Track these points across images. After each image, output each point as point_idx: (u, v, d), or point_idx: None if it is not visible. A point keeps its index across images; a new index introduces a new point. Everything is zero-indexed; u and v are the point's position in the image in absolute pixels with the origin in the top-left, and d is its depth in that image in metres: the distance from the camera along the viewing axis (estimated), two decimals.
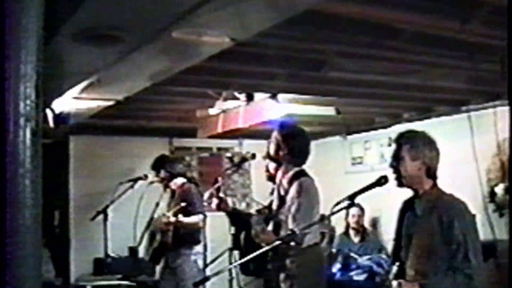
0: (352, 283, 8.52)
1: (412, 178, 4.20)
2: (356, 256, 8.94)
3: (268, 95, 7.55)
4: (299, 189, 5.44)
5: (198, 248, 7.72)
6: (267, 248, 4.60)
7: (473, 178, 7.82)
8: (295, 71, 6.45)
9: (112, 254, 8.16)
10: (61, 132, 8.61)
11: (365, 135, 10.48)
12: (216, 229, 7.70)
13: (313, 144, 11.03)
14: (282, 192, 5.63)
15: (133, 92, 6.48)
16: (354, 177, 9.92)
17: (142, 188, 7.87)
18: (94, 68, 5.51)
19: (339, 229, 9.91)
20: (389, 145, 9.62)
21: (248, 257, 4.57)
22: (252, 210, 6.85)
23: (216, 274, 4.57)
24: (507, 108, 6.67)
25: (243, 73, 6.56)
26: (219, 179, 6.12)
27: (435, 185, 4.23)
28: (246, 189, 11.01)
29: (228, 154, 9.79)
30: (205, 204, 7.09)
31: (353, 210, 9.25)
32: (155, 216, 7.71)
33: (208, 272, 7.38)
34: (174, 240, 7.63)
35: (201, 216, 7.62)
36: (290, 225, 5.37)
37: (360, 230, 9.54)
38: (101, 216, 7.46)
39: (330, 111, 8.73)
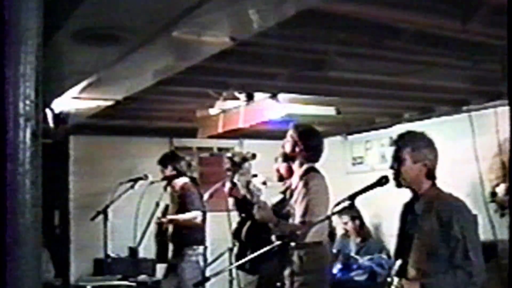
0: (352, 283, 8.51)
1: (412, 179, 4.21)
2: (356, 257, 8.93)
3: (268, 95, 7.55)
4: (307, 183, 5.61)
5: (201, 249, 7.73)
6: (267, 248, 4.61)
7: (474, 178, 7.82)
8: (295, 71, 6.45)
9: (112, 254, 8.16)
10: (61, 132, 8.60)
11: (366, 135, 10.47)
12: (216, 229, 7.70)
13: None
14: (293, 187, 5.78)
15: (133, 92, 6.48)
16: (355, 177, 9.91)
17: (142, 188, 7.87)
18: (93, 68, 5.51)
19: (340, 230, 9.91)
20: (390, 145, 9.62)
21: (249, 257, 4.59)
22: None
23: (216, 274, 4.58)
24: (507, 108, 6.66)
25: (243, 73, 6.56)
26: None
27: (433, 185, 4.24)
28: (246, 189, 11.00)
29: (229, 154, 9.77)
30: (205, 204, 7.09)
31: (344, 218, 9.29)
32: (154, 217, 7.72)
33: (208, 272, 7.37)
34: (176, 240, 7.63)
35: (198, 212, 7.62)
36: (298, 218, 5.45)
37: (356, 233, 9.51)
38: (101, 216, 7.46)
39: (330, 111, 8.73)
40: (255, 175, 6.07)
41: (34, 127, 1.67)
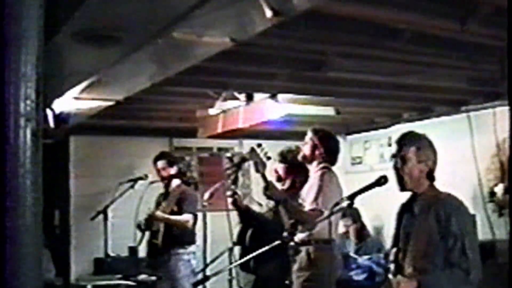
0: (351, 282, 8.51)
1: (414, 179, 4.22)
2: (355, 256, 8.94)
3: (268, 95, 7.55)
4: (320, 176, 5.76)
5: (192, 248, 7.75)
6: (273, 244, 4.66)
7: (473, 178, 7.84)
8: (295, 71, 6.46)
9: (112, 254, 8.16)
10: (61, 132, 8.61)
11: (365, 135, 10.49)
12: (216, 229, 7.70)
13: None
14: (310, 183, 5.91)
15: (133, 92, 6.48)
16: (354, 177, 9.90)
17: (142, 188, 7.87)
18: (94, 68, 5.51)
19: (339, 229, 9.91)
20: (389, 145, 9.64)
21: (250, 255, 4.61)
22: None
23: (216, 274, 4.59)
24: (506, 108, 6.67)
25: (243, 73, 6.57)
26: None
27: (432, 185, 4.26)
28: (246, 189, 10.99)
29: (228, 154, 9.77)
30: (204, 204, 7.09)
31: (343, 220, 9.29)
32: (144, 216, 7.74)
33: (208, 272, 7.38)
34: (166, 240, 7.64)
35: (190, 216, 7.65)
36: (309, 205, 5.51)
37: (355, 234, 9.52)
38: (101, 216, 7.47)
39: (329, 111, 8.74)
40: (259, 145, 6.06)
41: (35, 127, 1.68)
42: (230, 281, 6.90)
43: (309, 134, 6.09)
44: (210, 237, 7.38)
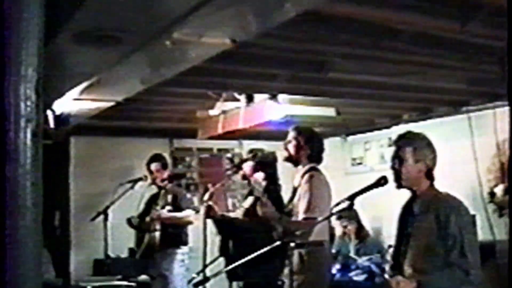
0: (351, 283, 8.51)
1: (412, 179, 4.23)
2: (355, 257, 8.93)
3: (268, 96, 7.55)
4: (309, 180, 5.71)
5: (185, 248, 7.77)
6: (266, 249, 4.63)
7: (473, 179, 7.83)
8: (295, 72, 6.46)
9: (112, 255, 8.15)
10: (61, 133, 8.60)
11: (365, 136, 10.48)
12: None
13: None
14: (296, 185, 5.86)
15: (134, 93, 6.48)
16: (354, 177, 9.91)
17: (142, 189, 7.88)
18: (94, 69, 5.51)
19: (339, 230, 9.91)
20: (389, 145, 9.63)
21: (242, 260, 4.60)
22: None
23: (216, 275, 4.59)
24: (506, 108, 6.67)
25: (243, 74, 6.57)
26: (210, 186, 6.35)
27: (431, 185, 4.26)
28: (246, 190, 10.99)
29: (228, 155, 9.78)
30: (204, 204, 7.10)
31: (340, 221, 9.29)
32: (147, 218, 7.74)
33: (208, 272, 7.37)
34: (162, 241, 7.65)
35: (191, 211, 7.68)
36: (301, 215, 5.50)
37: (354, 235, 9.51)
38: (101, 217, 7.46)
39: (330, 112, 8.73)
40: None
41: (35, 128, 1.68)
42: (230, 281, 6.89)
43: (293, 134, 5.97)
44: (210, 238, 7.38)
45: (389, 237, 9.32)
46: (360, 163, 10.61)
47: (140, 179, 7.94)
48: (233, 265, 4.74)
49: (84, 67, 5.42)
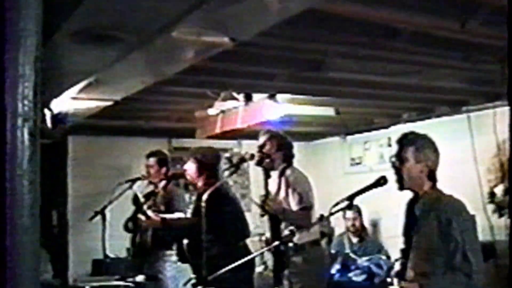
0: (351, 284, 8.51)
1: (414, 180, 4.22)
2: (355, 257, 8.93)
3: (267, 95, 7.54)
4: (289, 176, 5.87)
5: None
6: (270, 246, 4.64)
7: (473, 179, 7.83)
8: (294, 71, 6.45)
9: (110, 255, 8.14)
10: (59, 132, 8.59)
11: (365, 136, 10.48)
12: None
13: (312, 144, 11.09)
14: (275, 190, 5.97)
15: (132, 92, 6.47)
16: (353, 177, 9.92)
17: (141, 189, 7.86)
18: (92, 68, 5.50)
19: (338, 230, 9.93)
20: (389, 145, 9.65)
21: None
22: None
23: (215, 275, 4.57)
24: (506, 108, 6.65)
25: (242, 74, 6.55)
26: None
27: (434, 186, 4.24)
28: (245, 189, 11.00)
29: (227, 155, 9.77)
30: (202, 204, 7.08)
31: (349, 213, 9.27)
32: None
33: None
34: (153, 242, 7.62)
35: (181, 214, 7.65)
36: (295, 207, 5.54)
37: (358, 231, 9.54)
38: (99, 217, 7.43)
39: (329, 111, 8.73)
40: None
41: (33, 127, 1.66)
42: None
43: (264, 138, 6.14)
44: None
45: (388, 236, 9.36)
46: (359, 163, 10.62)
47: (138, 178, 7.91)
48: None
49: (82, 66, 5.41)
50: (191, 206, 6.90)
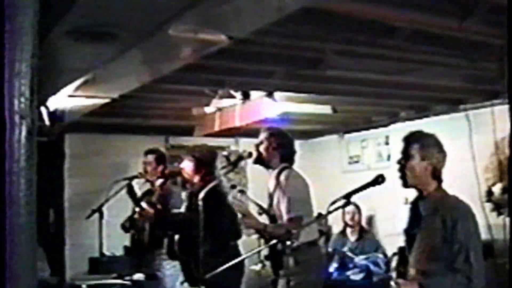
0: (348, 282, 8.51)
1: (418, 178, 4.21)
2: (352, 256, 8.93)
3: (264, 93, 7.54)
4: (284, 180, 5.71)
5: None
6: (269, 245, 4.63)
7: (471, 177, 7.82)
8: (292, 69, 6.44)
9: (107, 253, 8.13)
10: (56, 130, 8.59)
11: (362, 134, 10.48)
12: None
13: (310, 142, 11.08)
14: (271, 190, 5.86)
15: (129, 90, 6.47)
16: (351, 176, 9.91)
17: (138, 187, 7.85)
18: (89, 66, 5.49)
19: (336, 228, 9.93)
20: (387, 144, 9.65)
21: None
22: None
23: (213, 274, 4.57)
24: (505, 107, 6.64)
25: (240, 71, 6.55)
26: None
27: (439, 186, 4.24)
28: (242, 187, 10.99)
29: (225, 153, 9.77)
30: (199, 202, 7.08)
31: (349, 208, 9.25)
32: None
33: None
34: (150, 241, 7.62)
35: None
36: (285, 215, 5.48)
37: (357, 228, 9.54)
38: (96, 215, 7.42)
39: (327, 109, 8.72)
40: (233, 186, 6.09)
41: (29, 125, 1.65)
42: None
43: (264, 135, 5.98)
44: None
45: (385, 235, 9.36)
46: (357, 161, 10.62)
47: (135, 176, 7.90)
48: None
49: (79, 63, 5.40)
50: (185, 203, 6.90)
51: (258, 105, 7.75)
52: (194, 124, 9.23)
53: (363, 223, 9.78)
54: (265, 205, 5.96)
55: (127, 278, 7.10)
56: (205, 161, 6.56)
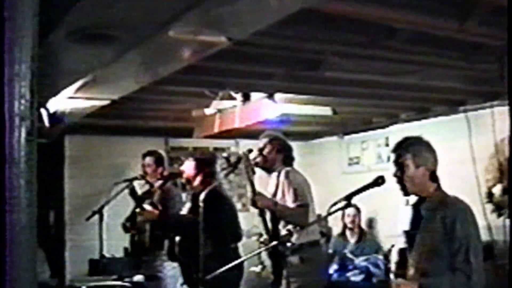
0: (348, 283, 8.51)
1: (417, 185, 4.21)
2: (352, 257, 8.93)
3: (264, 95, 7.54)
4: (287, 176, 5.87)
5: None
6: (269, 246, 4.63)
7: (471, 179, 7.81)
8: (292, 70, 6.45)
9: (107, 255, 8.13)
10: (56, 132, 8.58)
11: (362, 135, 10.48)
12: None
13: (309, 144, 11.08)
14: (273, 190, 5.98)
15: (129, 92, 6.46)
16: (351, 177, 9.92)
17: (138, 188, 7.85)
18: (89, 68, 5.49)
19: (336, 230, 9.93)
20: (386, 145, 9.64)
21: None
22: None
23: (212, 275, 4.57)
24: (504, 108, 6.65)
25: (240, 73, 6.55)
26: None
27: (438, 187, 4.23)
28: (242, 189, 10.99)
29: (224, 154, 9.77)
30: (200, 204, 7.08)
31: (349, 210, 9.25)
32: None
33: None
34: (151, 242, 7.61)
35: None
36: (292, 204, 5.53)
37: (357, 230, 9.55)
38: (96, 216, 7.41)
39: (327, 111, 8.72)
40: (250, 150, 6.10)
41: (29, 126, 1.65)
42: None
43: (266, 139, 6.13)
44: None
45: (385, 236, 9.36)
46: (357, 163, 10.62)
47: (135, 178, 7.89)
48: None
49: (79, 65, 5.40)
50: (187, 205, 6.90)
51: (258, 106, 7.74)
52: (194, 125, 9.22)
53: (363, 224, 9.78)
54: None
55: (127, 279, 7.10)
56: (207, 163, 6.56)
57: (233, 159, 6.50)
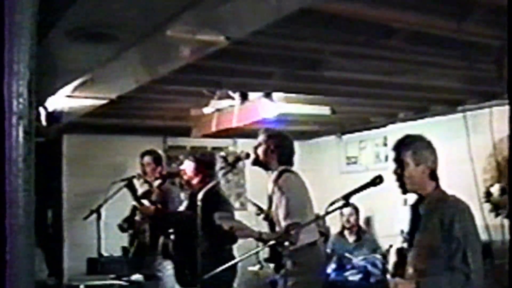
0: (347, 283, 8.50)
1: (416, 183, 4.21)
2: (350, 256, 8.93)
3: (262, 94, 7.53)
4: (282, 185, 5.63)
5: None
6: (268, 245, 4.63)
7: (469, 178, 7.81)
8: (290, 70, 6.44)
9: (105, 254, 8.12)
10: (54, 131, 8.58)
11: (360, 135, 10.48)
12: None
13: (308, 143, 11.08)
14: (270, 193, 5.82)
15: (127, 91, 6.46)
16: (349, 177, 9.92)
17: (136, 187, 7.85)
18: (87, 66, 5.49)
19: (334, 229, 9.93)
20: (385, 145, 9.64)
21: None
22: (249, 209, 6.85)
23: (212, 275, 4.57)
24: (503, 108, 6.65)
25: (238, 72, 6.54)
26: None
27: (437, 186, 4.24)
28: (240, 188, 11.00)
29: (222, 154, 9.77)
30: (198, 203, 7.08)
31: (346, 210, 9.25)
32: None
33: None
34: (152, 242, 7.61)
35: None
36: (283, 221, 5.46)
37: (355, 229, 9.55)
38: (94, 216, 7.41)
39: (325, 110, 8.71)
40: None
41: (27, 125, 1.65)
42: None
43: (262, 137, 5.91)
44: None
45: (383, 235, 9.36)
46: (355, 162, 10.62)
47: (133, 177, 7.89)
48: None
49: (77, 64, 5.40)
50: (184, 204, 6.90)
51: (256, 106, 7.74)
52: (192, 125, 9.22)
53: (361, 224, 9.79)
54: (264, 207, 5.95)
55: (125, 278, 7.10)
56: (206, 162, 6.56)
57: (231, 158, 6.50)
